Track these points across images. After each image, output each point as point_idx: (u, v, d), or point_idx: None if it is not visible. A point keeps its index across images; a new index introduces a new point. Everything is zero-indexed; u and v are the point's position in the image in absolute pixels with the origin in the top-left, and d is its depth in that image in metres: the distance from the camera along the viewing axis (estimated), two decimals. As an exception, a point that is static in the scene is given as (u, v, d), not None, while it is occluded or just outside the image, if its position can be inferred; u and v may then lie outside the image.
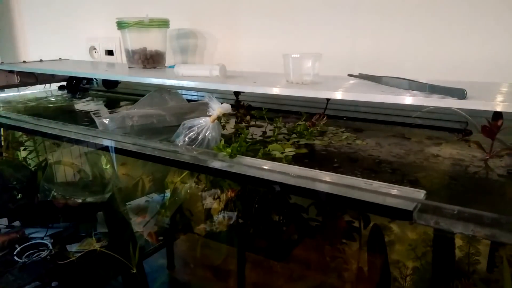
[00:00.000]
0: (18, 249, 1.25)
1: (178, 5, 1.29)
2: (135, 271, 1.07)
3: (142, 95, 1.00)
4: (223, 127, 0.86)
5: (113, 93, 1.43)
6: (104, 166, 1.33)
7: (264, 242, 1.00)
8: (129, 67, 1.12)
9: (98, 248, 1.14)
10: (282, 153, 0.67)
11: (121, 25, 1.08)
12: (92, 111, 1.07)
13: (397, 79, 0.67)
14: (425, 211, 0.45)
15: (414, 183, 0.55)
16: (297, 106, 1.01)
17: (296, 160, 0.65)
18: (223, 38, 1.23)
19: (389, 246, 0.80)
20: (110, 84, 1.45)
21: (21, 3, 1.86)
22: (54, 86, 1.52)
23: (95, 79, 1.51)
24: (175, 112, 0.89)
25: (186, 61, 1.30)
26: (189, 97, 1.19)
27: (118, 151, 0.79)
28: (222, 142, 0.67)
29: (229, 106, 0.70)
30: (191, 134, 0.71)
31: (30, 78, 1.35)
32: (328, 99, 0.84)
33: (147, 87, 1.19)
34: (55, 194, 1.36)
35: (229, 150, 0.63)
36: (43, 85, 1.49)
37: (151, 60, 1.10)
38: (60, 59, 1.50)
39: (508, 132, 0.62)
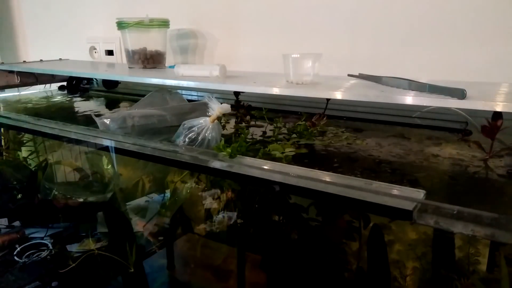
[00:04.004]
0: (18, 249, 1.25)
1: (178, 5, 1.29)
2: (132, 270, 1.07)
3: (142, 95, 1.00)
4: (223, 127, 0.86)
5: (113, 93, 1.43)
6: (105, 166, 1.33)
7: (264, 242, 1.00)
8: (129, 67, 1.12)
9: (96, 251, 1.14)
10: (282, 153, 0.67)
11: (121, 25, 1.08)
12: (93, 112, 1.07)
13: (397, 79, 0.68)
14: (425, 211, 0.45)
15: (414, 183, 0.55)
16: (297, 106, 1.01)
17: (296, 160, 0.65)
18: (223, 38, 1.23)
19: (389, 246, 0.80)
20: (110, 84, 1.45)
21: (21, 3, 1.86)
22: (54, 86, 1.52)
23: (95, 79, 1.51)
24: (175, 112, 0.89)
25: (186, 61, 1.30)
26: (189, 97, 1.19)
27: (119, 151, 0.79)
28: (222, 142, 0.67)
29: (229, 106, 0.70)
30: (191, 134, 0.71)
31: (30, 78, 1.35)
32: (328, 99, 0.84)
33: (147, 87, 1.19)
34: (56, 194, 1.36)
35: (229, 150, 0.63)
36: (43, 85, 1.49)
37: (151, 60, 1.10)
38: (60, 59, 1.50)
39: (508, 132, 0.62)
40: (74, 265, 1.12)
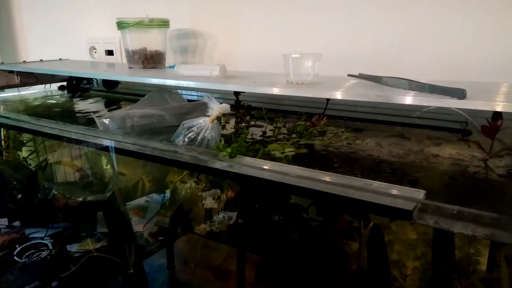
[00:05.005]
0: (18, 249, 1.25)
1: (178, 5, 1.29)
2: (132, 271, 1.07)
3: (142, 95, 1.00)
4: (223, 127, 0.86)
5: (113, 93, 1.43)
6: (104, 166, 1.33)
7: (264, 242, 1.00)
8: (129, 67, 1.12)
9: (95, 254, 1.14)
10: (282, 153, 0.67)
11: (121, 25, 1.08)
12: (93, 112, 1.07)
13: (397, 79, 0.67)
14: (425, 211, 0.45)
15: (414, 183, 0.55)
16: (297, 106, 1.01)
17: (296, 160, 0.65)
18: (223, 38, 1.23)
19: (389, 246, 0.80)
20: (110, 84, 1.45)
21: (21, 3, 1.86)
22: (54, 86, 1.52)
23: (95, 79, 1.51)
24: (175, 112, 0.89)
25: (186, 61, 1.30)
26: (189, 97, 1.19)
27: (118, 151, 0.79)
28: (222, 142, 0.67)
29: (228, 106, 0.70)
30: (190, 134, 0.71)
31: (30, 78, 1.35)
32: (328, 99, 0.84)
33: (147, 87, 1.19)
34: (55, 194, 1.36)
35: (229, 150, 0.63)
36: (43, 85, 1.49)
37: (151, 60, 1.10)
38: (60, 59, 1.50)
39: (508, 132, 0.62)
40: (74, 268, 1.12)
